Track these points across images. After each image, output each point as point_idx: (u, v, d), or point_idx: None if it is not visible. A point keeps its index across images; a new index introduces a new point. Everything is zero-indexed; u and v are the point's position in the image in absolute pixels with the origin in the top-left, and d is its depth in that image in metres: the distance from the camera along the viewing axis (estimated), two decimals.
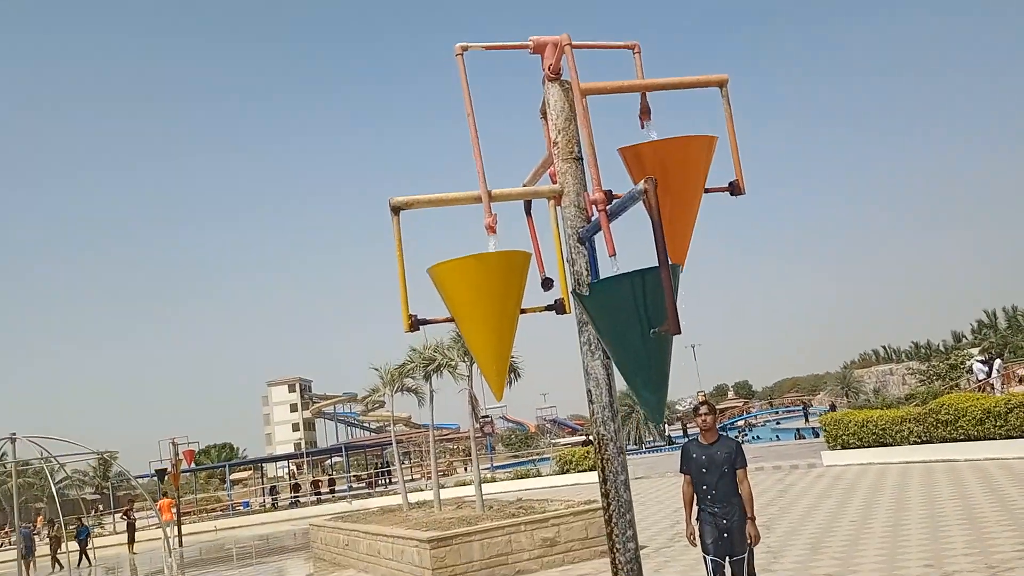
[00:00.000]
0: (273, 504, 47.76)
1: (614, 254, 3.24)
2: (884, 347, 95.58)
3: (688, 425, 58.39)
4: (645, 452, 49.26)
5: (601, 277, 3.49)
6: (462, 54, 3.75)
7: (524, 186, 4.14)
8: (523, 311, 3.68)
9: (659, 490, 23.60)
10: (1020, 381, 33.27)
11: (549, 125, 3.84)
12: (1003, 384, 30.28)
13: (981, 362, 33.78)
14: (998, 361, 32.99)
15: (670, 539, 14.17)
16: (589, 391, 3.58)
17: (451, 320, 3.64)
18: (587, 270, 3.62)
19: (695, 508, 6.91)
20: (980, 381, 31.43)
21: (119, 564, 29.19)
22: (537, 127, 4.28)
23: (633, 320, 3.14)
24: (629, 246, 3.40)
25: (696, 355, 73.63)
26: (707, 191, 3.86)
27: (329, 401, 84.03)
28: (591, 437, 4.23)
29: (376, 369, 20.87)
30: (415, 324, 3.56)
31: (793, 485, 19.88)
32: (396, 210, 3.60)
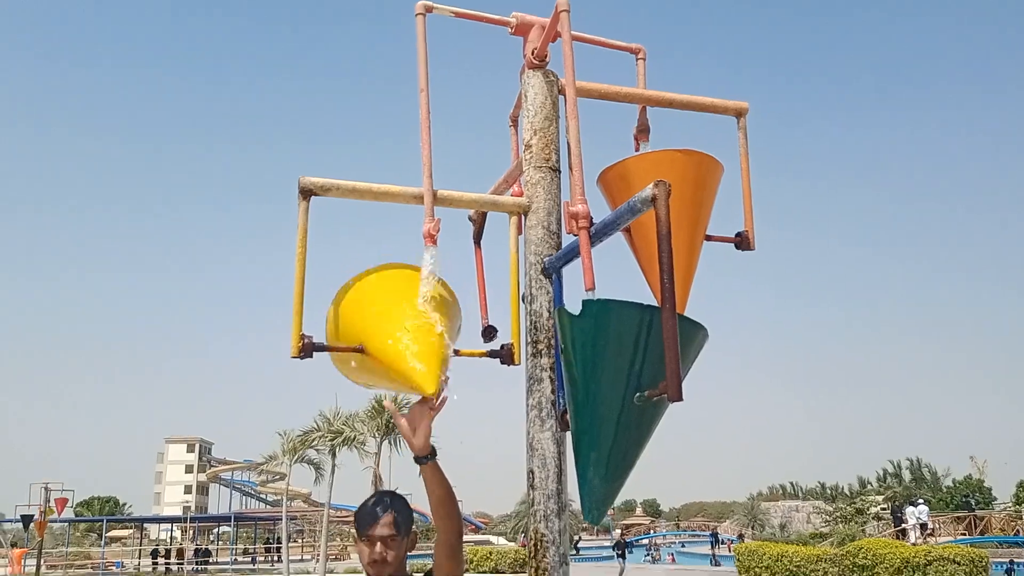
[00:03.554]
0: (152, 568, 44.41)
1: (593, 287, 2.36)
2: (791, 483, 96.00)
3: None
4: (578, 559, 41.04)
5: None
6: (424, 14, 2.92)
7: None
8: (457, 353, 2.75)
9: None
10: (931, 534, 32.82)
11: (524, 125, 3.00)
12: (923, 534, 29.48)
13: (912, 505, 32.73)
14: (925, 508, 32.03)
15: None
16: (531, 472, 2.63)
17: (359, 350, 2.61)
18: (549, 311, 2.73)
19: None
20: (904, 525, 30.45)
21: None
22: (504, 137, 3.45)
23: (622, 371, 2.24)
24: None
25: None
26: (708, 239, 3.03)
27: (227, 467, 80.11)
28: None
29: (280, 434, 19.45)
30: (306, 349, 2.59)
31: None
32: (307, 194, 2.68)
